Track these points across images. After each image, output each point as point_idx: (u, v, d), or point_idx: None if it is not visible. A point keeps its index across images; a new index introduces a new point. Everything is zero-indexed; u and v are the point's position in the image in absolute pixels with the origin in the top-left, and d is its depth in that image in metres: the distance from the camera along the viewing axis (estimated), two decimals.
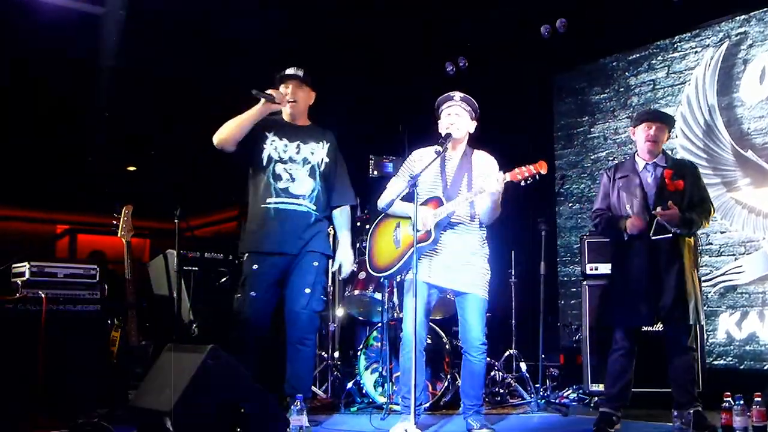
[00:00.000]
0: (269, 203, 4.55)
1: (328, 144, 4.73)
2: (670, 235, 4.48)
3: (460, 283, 4.43)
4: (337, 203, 4.80)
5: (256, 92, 4.45)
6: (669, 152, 4.85)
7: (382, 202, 4.67)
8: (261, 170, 4.60)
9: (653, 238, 4.49)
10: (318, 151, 4.69)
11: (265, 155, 4.59)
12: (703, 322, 4.58)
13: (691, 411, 4.40)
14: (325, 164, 4.69)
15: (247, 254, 4.61)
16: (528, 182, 4.14)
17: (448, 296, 4.88)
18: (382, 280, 5.51)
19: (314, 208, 4.62)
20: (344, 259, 4.79)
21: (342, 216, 4.83)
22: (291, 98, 4.63)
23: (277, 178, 4.57)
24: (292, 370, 4.53)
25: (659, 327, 4.81)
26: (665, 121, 4.74)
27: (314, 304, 4.56)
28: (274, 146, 4.61)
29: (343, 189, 4.81)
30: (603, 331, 5.20)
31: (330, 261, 4.82)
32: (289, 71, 4.67)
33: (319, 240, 4.63)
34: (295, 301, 4.52)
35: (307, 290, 4.52)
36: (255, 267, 4.50)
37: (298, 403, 4.00)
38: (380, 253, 4.72)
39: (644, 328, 4.86)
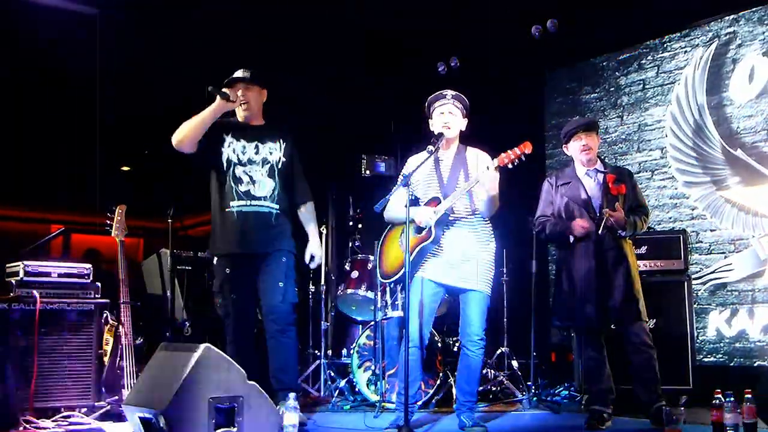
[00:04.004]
0: (232, 206, 4.66)
1: (285, 143, 4.82)
2: (616, 236, 4.58)
3: (464, 281, 4.44)
4: (301, 200, 4.91)
5: (212, 89, 4.53)
6: (605, 161, 4.94)
7: (386, 214, 4.66)
8: (221, 173, 4.70)
9: (601, 233, 4.55)
10: (276, 151, 4.78)
11: (224, 158, 4.69)
12: (646, 319, 4.61)
13: (656, 407, 4.44)
14: (282, 163, 4.78)
15: (216, 258, 4.72)
16: (515, 164, 4.25)
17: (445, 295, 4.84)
18: (392, 286, 5.56)
19: (276, 207, 4.71)
20: (314, 251, 4.89)
21: (307, 211, 4.95)
22: (242, 100, 4.73)
23: (238, 181, 4.67)
24: (277, 363, 4.58)
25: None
26: (591, 128, 4.82)
27: (290, 296, 4.67)
28: (232, 148, 4.71)
29: (303, 186, 4.92)
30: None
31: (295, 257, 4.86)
32: (237, 74, 4.77)
33: (284, 238, 4.73)
34: (272, 296, 4.61)
35: (281, 283, 4.61)
36: (228, 270, 4.62)
37: (292, 401, 4.01)
38: (388, 260, 4.73)
39: None
